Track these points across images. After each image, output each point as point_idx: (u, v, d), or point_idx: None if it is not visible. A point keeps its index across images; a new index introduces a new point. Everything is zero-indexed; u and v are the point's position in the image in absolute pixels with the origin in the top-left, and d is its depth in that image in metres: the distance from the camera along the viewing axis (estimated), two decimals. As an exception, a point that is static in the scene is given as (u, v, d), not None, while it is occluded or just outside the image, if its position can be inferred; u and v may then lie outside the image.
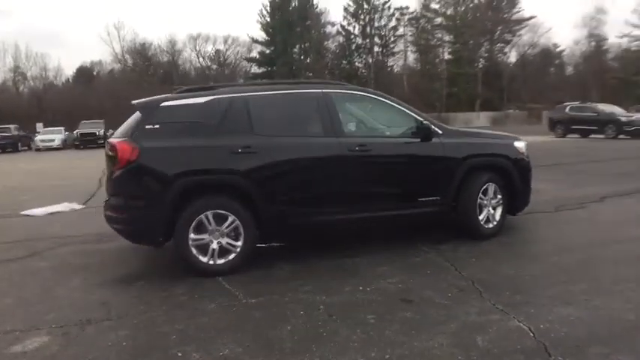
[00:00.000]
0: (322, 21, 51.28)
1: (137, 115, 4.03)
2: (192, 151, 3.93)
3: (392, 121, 4.67)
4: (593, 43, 57.03)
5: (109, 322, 3.15)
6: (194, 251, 3.90)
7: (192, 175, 3.90)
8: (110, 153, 4.01)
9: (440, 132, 4.58)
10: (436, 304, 3.28)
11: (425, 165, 4.59)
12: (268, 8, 51.11)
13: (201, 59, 56.88)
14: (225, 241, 3.97)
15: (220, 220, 3.93)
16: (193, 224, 3.87)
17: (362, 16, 49.82)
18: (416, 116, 4.64)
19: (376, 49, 51.55)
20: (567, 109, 22.65)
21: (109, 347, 2.79)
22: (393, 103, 4.69)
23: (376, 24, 50.20)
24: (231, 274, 3.92)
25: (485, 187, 4.73)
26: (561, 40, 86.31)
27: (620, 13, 59.72)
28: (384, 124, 4.63)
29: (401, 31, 51.85)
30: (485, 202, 4.76)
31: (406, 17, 51.24)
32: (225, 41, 55.69)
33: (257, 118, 4.13)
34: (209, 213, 3.90)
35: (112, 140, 4.05)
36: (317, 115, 4.32)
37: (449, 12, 52.43)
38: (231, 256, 3.98)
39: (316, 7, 50.95)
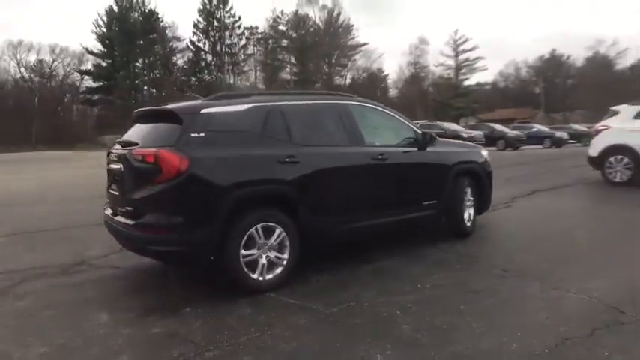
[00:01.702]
0: (169, 35, 49.32)
1: (173, 121, 3.61)
2: (243, 161, 3.68)
3: (395, 131, 4.98)
4: (414, 70, 66.09)
5: (214, 352, 2.80)
6: (245, 268, 3.65)
7: (246, 186, 3.64)
8: (140, 164, 3.52)
9: (428, 141, 5.05)
10: (499, 290, 3.68)
11: (426, 171, 5.01)
12: (105, 18, 47.24)
13: (22, 69, 49.59)
14: (273, 254, 3.79)
15: (268, 233, 3.76)
16: (244, 239, 3.63)
17: (212, 33, 49.37)
18: (413, 127, 5.06)
19: (226, 66, 51.49)
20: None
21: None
22: (394, 114, 5.04)
23: (227, 42, 50.24)
24: (279, 289, 3.76)
25: (466, 190, 5.36)
26: (390, 66, 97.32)
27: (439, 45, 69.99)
28: (389, 134, 4.91)
29: (250, 50, 52.90)
30: (467, 203, 5.39)
31: (255, 37, 52.49)
32: (52, 51, 49.65)
33: (293, 127, 4.05)
34: (259, 226, 3.69)
35: (146, 150, 3.53)
36: (341, 125, 4.42)
37: (293, 34, 55.29)
38: (278, 270, 3.81)
39: (162, 21, 48.90)
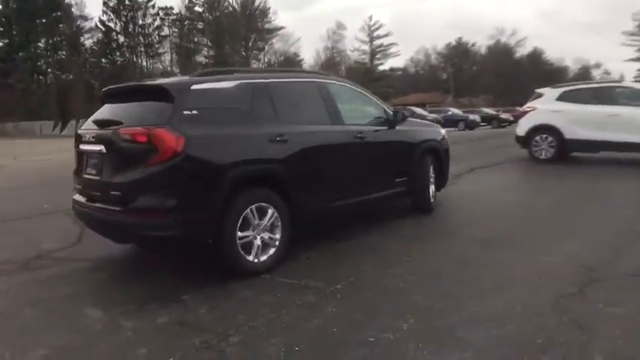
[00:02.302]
0: (75, 13, 45.38)
1: (163, 98, 3.37)
2: (237, 140, 3.54)
3: (368, 109, 5.05)
4: (330, 55, 67.06)
5: (237, 336, 2.70)
6: (241, 251, 3.55)
7: (242, 165, 3.51)
8: (129, 145, 3.26)
9: (399, 119, 5.20)
10: (484, 259, 3.93)
11: (398, 149, 5.15)
12: (0, -6, 42.47)
13: None
14: (267, 235, 3.72)
15: (261, 213, 3.67)
16: (240, 221, 3.52)
17: (124, 13, 46.15)
18: (384, 105, 5.17)
19: (140, 48, 48.59)
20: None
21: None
22: (366, 93, 5.10)
23: (140, 22, 47.31)
24: (273, 270, 3.71)
25: (429, 167, 5.60)
26: (309, 51, 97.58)
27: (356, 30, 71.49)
28: (364, 112, 4.96)
29: (165, 31, 50.35)
30: (431, 180, 5.63)
31: (170, 18, 50.00)
32: None
33: (280, 105, 3.97)
34: (253, 207, 3.60)
35: (137, 129, 3.25)
36: (322, 104, 4.40)
37: (209, 17, 53.50)
38: (272, 251, 3.75)
39: (67, -2, 44.80)
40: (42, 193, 8.02)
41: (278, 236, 3.77)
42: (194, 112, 3.37)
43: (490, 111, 36.55)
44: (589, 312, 2.89)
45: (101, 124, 3.61)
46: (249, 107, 3.75)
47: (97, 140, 3.50)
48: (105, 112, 3.74)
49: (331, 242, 4.44)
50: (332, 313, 2.96)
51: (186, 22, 51.94)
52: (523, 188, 7.46)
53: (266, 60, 59.93)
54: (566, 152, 9.71)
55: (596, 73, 72.66)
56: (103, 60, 46.19)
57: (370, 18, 70.80)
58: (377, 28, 71.13)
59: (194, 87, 3.49)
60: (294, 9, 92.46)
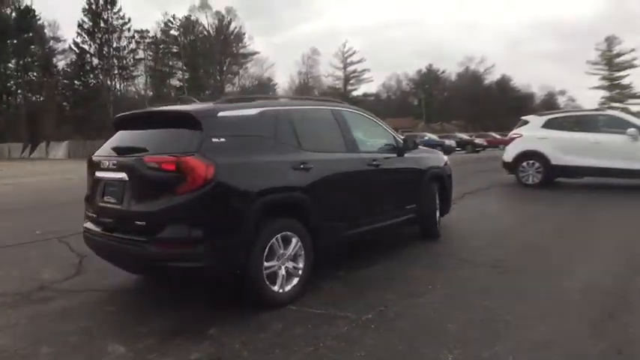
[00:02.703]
0: (48, 35, 44.59)
1: (189, 125, 3.29)
2: (264, 168, 3.47)
3: (379, 136, 5.06)
4: (303, 80, 67.91)
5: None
6: (267, 281, 3.45)
7: (269, 194, 3.43)
8: (155, 173, 3.15)
9: (410, 147, 5.24)
10: (506, 285, 3.95)
11: (407, 176, 5.17)
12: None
13: None
14: (291, 265, 3.63)
15: (286, 243, 3.59)
16: (266, 250, 3.43)
17: (98, 35, 45.58)
18: (393, 132, 5.21)
19: (114, 70, 47.98)
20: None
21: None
22: (377, 120, 5.13)
23: (114, 44, 46.81)
24: (297, 300, 3.62)
25: (435, 193, 5.64)
26: (284, 76, 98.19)
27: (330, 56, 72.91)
28: (375, 140, 4.98)
29: (140, 54, 49.99)
30: (438, 206, 5.66)
31: (146, 41, 49.73)
32: None
33: (300, 132, 3.94)
34: (279, 236, 3.52)
35: (164, 157, 3.14)
36: (339, 131, 4.40)
37: (184, 40, 53.58)
38: (295, 281, 3.65)
39: (39, 19, 44.05)
40: (31, 217, 7.70)
41: (301, 265, 3.69)
42: (222, 139, 3.30)
43: (464, 136, 37.48)
44: (625, 338, 2.91)
45: (122, 151, 3.49)
46: (272, 135, 3.71)
47: (119, 168, 3.37)
48: (124, 138, 3.63)
49: (350, 271, 4.36)
50: (372, 346, 2.88)
51: (161, 46, 51.84)
52: (518, 214, 7.57)
53: (240, 84, 60.23)
54: (551, 178, 9.99)
55: (561, 100, 75.75)
56: (76, 82, 45.25)
57: (344, 44, 72.32)
58: (350, 55, 72.79)
59: (220, 114, 3.43)
60: (269, 34, 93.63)
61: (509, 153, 10.41)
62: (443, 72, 78.47)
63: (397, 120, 62.50)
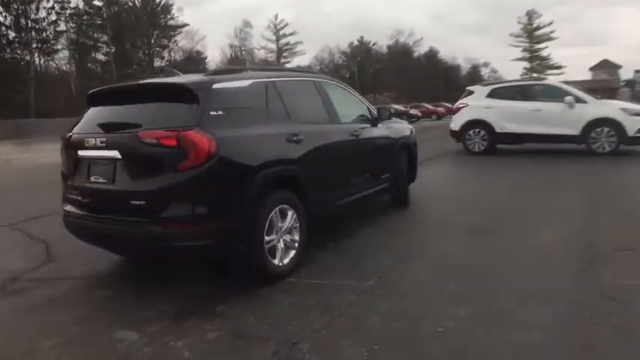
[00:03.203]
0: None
1: (185, 98, 3.12)
2: (261, 141, 3.40)
3: (355, 107, 5.09)
4: (234, 53, 66.09)
5: (306, 343, 2.61)
6: (268, 255, 3.43)
7: (268, 167, 3.37)
8: (153, 149, 2.99)
9: (385, 117, 5.33)
10: (489, 245, 4.21)
11: (383, 146, 5.27)
12: None
13: None
14: (288, 238, 3.63)
15: (283, 216, 3.58)
16: (267, 224, 3.39)
17: (14, 6, 41.11)
18: (366, 104, 5.26)
19: (34, 44, 43.78)
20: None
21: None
22: (352, 92, 5.15)
23: (32, 16, 42.54)
24: (295, 272, 3.64)
25: (406, 162, 5.81)
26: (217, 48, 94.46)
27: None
28: (352, 111, 4.99)
29: (62, 26, 45.95)
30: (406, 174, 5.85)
31: (67, 12, 45.73)
32: None
33: (288, 103, 3.88)
34: (277, 209, 3.49)
35: (163, 132, 2.97)
36: (320, 102, 4.38)
37: (108, 12, 50.02)
38: (292, 253, 3.66)
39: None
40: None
41: (297, 238, 3.70)
42: (219, 112, 3.18)
43: (400, 107, 38.39)
44: (609, 285, 3.21)
45: (111, 127, 3.26)
46: (264, 106, 3.63)
47: (109, 145, 3.14)
48: (109, 114, 3.38)
49: (336, 241, 4.43)
50: (385, 310, 2.97)
51: (84, 17, 47.92)
52: (476, 178, 7.99)
53: (170, 58, 57.45)
54: (495, 145, 10.58)
55: (484, 72, 79.48)
56: (-9, 57, 40.90)
57: (276, 17, 70.85)
58: (283, 27, 71.54)
59: (215, 86, 3.28)
60: (199, 6, 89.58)
61: (457, 122, 10.88)
62: (374, 44, 79.36)
63: (332, 93, 62.50)
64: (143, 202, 3.00)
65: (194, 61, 58.33)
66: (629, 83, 53.62)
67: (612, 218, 4.94)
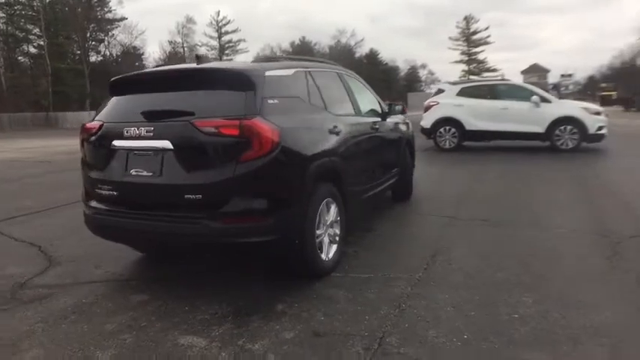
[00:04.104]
0: None
1: (240, 85, 2.91)
2: (311, 131, 3.27)
3: (369, 100, 5.02)
4: (173, 49, 64.07)
5: (394, 336, 2.52)
6: (317, 249, 3.29)
7: (319, 158, 3.24)
8: (212, 139, 2.77)
9: (395, 111, 5.32)
10: (509, 235, 4.32)
11: (393, 140, 5.25)
12: None
13: None
14: (332, 232, 3.52)
15: (327, 209, 3.46)
16: (317, 218, 3.26)
17: None
18: (377, 97, 5.22)
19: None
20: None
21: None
22: (366, 85, 5.08)
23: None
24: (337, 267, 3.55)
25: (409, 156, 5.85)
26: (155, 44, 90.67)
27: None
28: (367, 104, 4.92)
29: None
30: (410, 168, 5.89)
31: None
32: None
33: (324, 94, 3.76)
34: (324, 202, 3.37)
35: (224, 121, 2.75)
36: (345, 94, 4.29)
37: (40, 2, 46.73)
38: (335, 248, 3.55)
39: None
40: None
41: (338, 232, 3.60)
42: (275, 101, 3.01)
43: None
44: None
45: (156, 115, 2.98)
46: (307, 96, 3.50)
47: (157, 135, 2.87)
48: (153, 101, 3.09)
49: (358, 234, 4.35)
50: (452, 299, 2.94)
51: (16, 7, 44.47)
52: (455, 175, 8.02)
53: (107, 52, 54.63)
54: (463, 142, 10.94)
55: (422, 73, 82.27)
56: None
57: (218, 13, 69.63)
58: (225, 24, 70.25)
59: (267, 74, 3.11)
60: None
61: (428, 120, 11.13)
62: (316, 44, 79.87)
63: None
64: (200, 196, 2.77)
65: (131, 56, 55.84)
66: (555, 87, 57.65)
67: (612, 209, 5.22)
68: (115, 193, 3.06)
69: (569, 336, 2.48)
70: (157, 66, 3.89)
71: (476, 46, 65.65)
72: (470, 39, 65.48)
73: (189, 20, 65.44)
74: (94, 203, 3.20)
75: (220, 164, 2.78)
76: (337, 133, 3.64)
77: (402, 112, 5.33)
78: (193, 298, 3.09)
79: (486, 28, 64.54)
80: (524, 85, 11.28)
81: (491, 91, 10.73)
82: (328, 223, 3.45)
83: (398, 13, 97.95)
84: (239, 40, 71.00)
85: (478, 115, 10.41)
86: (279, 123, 2.91)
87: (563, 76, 58.49)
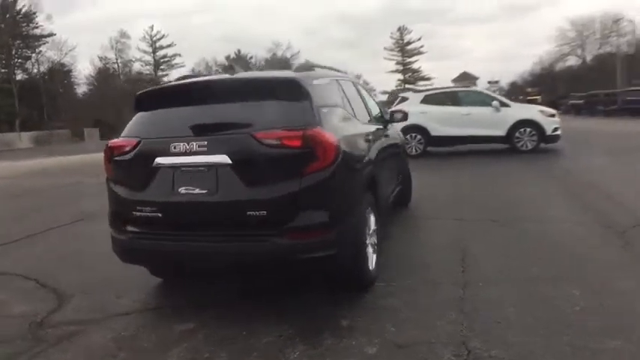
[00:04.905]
0: None
1: (292, 95, 2.81)
2: (357, 140, 3.21)
3: (375, 109, 5.02)
4: (104, 65, 61.52)
5: (477, 340, 2.50)
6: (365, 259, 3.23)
7: (366, 167, 3.20)
8: (276, 150, 2.65)
9: (397, 119, 5.37)
10: (518, 229, 4.49)
11: (397, 147, 5.28)
12: None
13: None
14: (373, 241, 3.47)
15: (369, 219, 3.41)
16: (366, 227, 3.21)
17: None
18: (380, 106, 5.26)
19: None
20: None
21: None
22: (370, 93, 5.11)
23: None
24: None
25: (407, 162, 5.93)
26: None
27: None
28: (374, 112, 4.91)
29: None
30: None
31: None
32: None
33: (352, 103, 3.73)
34: (367, 211, 3.32)
35: (285, 132, 2.64)
36: (361, 102, 4.29)
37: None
38: (375, 257, 3.50)
39: None
40: None
41: (375, 240, 3.56)
42: (326, 109, 2.94)
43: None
44: None
45: (209, 129, 2.79)
46: (342, 104, 3.45)
47: (213, 149, 2.70)
48: (202, 114, 2.90)
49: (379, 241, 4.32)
50: (507, 298, 2.99)
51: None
52: (435, 179, 8.04)
53: (35, 70, 51.33)
54: (427, 148, 11.27)
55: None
56: None
57: (152, 28, 67.38)
58: (159, 39, 68.35)
59: (315, 82, 3.04)
60: (68, 14, 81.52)
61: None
62: (252, 57, 79.81)
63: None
64: (264, 212, 2.63)
65: (58, 73, 52.86)
66: (484, 93, 60.85)
67: (599, 202, 5.54)
68: (160, 215, 2.83)
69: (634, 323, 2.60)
70: (181, 78, 3.67)
71: (410, 56, 68.17)
72: (404, 49, 67.89)
73: (123, 35, 62.90)
74: (130, 227, 2.94)
75: (285, 177, 2.66)
76: (369, 141, 3.62)
77: (405, 118, 5.39)
78: (243, 323, 2.91)
79: (419, 39, 67.27)
80: (484, 90, 11.84)
81: (454, 98, 11.16)
82: (370, 232, 3.40)
83: (331, 25, 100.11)
84: (174, 55, 69.31)
85: (442, 121, 10.78)
86: (335, 132, 2.84)
87: (490, 82, 61.95)
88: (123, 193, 2.98)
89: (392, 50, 68.97)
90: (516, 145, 10.54)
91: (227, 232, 2.72)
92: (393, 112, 5.29)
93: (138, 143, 2.91)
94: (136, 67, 67.52)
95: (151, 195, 2.86)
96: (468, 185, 7.40)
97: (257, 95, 2.88)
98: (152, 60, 69.06)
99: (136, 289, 3.58)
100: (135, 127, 3.05)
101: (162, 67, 70.16)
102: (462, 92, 11.57)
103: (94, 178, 8.92)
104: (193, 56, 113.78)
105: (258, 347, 2.60)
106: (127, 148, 2.94)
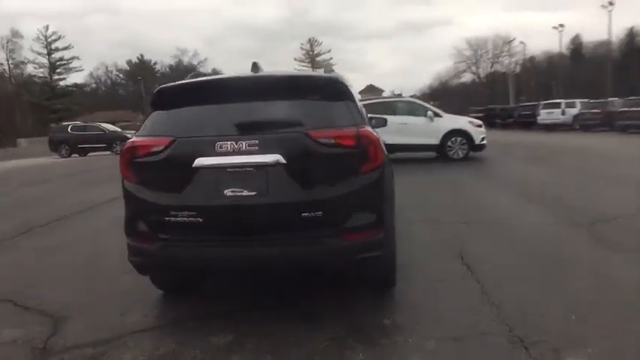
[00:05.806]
0: None
1: (332, 94, 2.82)
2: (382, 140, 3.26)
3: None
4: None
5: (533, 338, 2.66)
6: (393, 262, 3.30)
7: (390, 166, 3.25)
8: (329, 150, 2.61)
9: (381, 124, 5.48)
10: (494, 229, 4.82)
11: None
12: None
13: None
14: (391, 243, 3.55)
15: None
16: (394, 229, 3.28)
17: None
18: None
19: None
20: (69, 129, 22.85)
21: None
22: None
23: None
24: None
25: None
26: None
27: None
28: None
29: None
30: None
31: None
32: None
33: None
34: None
35: (342, 131, 2.63)
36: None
37: None
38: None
39: None
40: None
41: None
42: (363, 109, 2.98)
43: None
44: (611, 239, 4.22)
45: (259, 127, 2.66)
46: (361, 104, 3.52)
47: (266, 148, 2.56)
48: (248, 112, 2.77)
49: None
50: (527, 291, 3.21)
51: None
52: (406, 183, 8.53)
53: None
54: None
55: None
56: None
57: (46, 28, 62.03)
58: (55, 40, 63.04)
59: (345, 81, 3.07)
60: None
61: (334, 136, 11.56)
62: (155, 63, 76.81)
63: (114, 113, 57.03)
64: (320, 213, 2.58)
65: None
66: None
67: (552, 203, 6.09)
68: (201, 220, 2.63)
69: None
70: (192, 77, 3.48)
71: (320, 67, 70.01)
72: (314, 60, 69.56)
73: (16, 34, 57.28)
74: (161, 234, 2.71)
75: (340, 177, 2.64)
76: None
77: (384, 124, 5.53)
78: (284, 330, 2.81)
79: (329, 51, 69.42)
80: (419, 101, 12.51)
81: (390, 108, 11.66)
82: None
83: (233, 35, 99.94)
84: (72, 58, 64.48)
85: (381, 130, 11.16)
86: (378, 133, 2.90)
87: (393, 94, 65.72)
88: (151, 198, 2.72)
89: (302, 61, 70.29)
90: (448, 154, 11.27)
91: (279, 235, 2.63)
92: (379, 120, 5.40)
93: (171, 142, 2.69)
94: (29, 69, 61.76)
95: (190, 199, 2.65)
96: (426, 192, 7.63)
97: (302, 94, 2.83)
98: (47, 62, 63.56)
99: (142, 304, 3.31)
100: (162, 125, 2.82)
101: (58, 70, 64.84)
102: (398, 102, 12.15)
103: None
104: (93, 60, 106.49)
105: (319, 351, 2.54)
106: (158, 148, 2.70)
